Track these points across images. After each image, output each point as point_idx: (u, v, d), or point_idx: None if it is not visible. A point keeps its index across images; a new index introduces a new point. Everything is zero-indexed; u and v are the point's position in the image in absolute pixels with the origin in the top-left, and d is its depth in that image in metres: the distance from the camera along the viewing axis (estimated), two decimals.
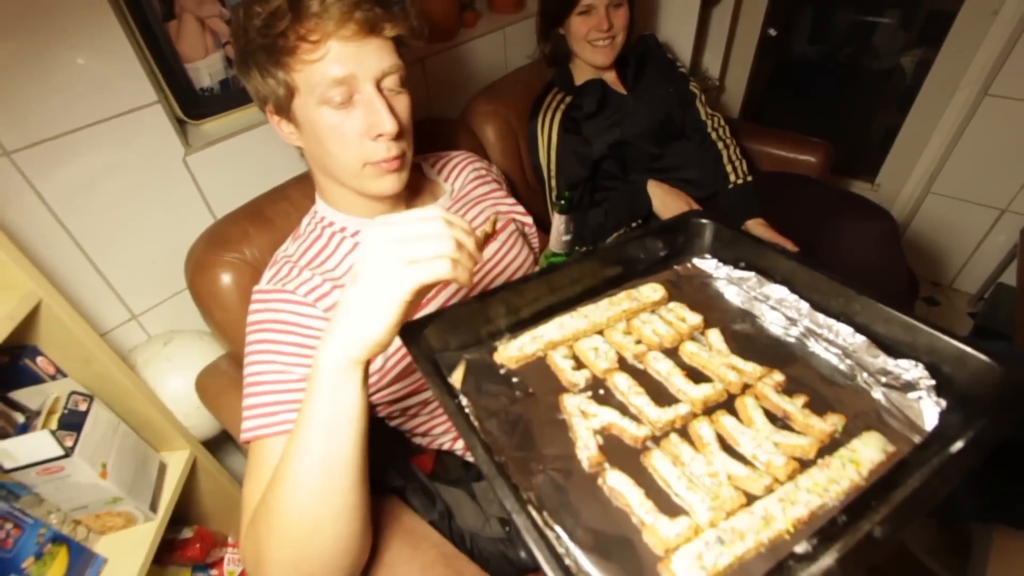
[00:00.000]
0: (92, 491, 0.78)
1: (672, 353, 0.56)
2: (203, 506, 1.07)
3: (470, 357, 0.56)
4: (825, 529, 0.40)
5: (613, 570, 0.39)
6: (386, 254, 0.43)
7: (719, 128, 1.32)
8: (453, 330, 0.57)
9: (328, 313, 0.65)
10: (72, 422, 0.76)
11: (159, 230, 0.92)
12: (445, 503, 0.72)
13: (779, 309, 0.59)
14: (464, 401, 0.50)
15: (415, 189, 0.80)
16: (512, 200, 0.91)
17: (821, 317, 0.56)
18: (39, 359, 0.79)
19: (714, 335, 0.58)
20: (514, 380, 0.54)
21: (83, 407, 0.78)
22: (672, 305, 0.61)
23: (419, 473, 0.73)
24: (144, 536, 0.85)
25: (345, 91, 0.60)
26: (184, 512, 1.04)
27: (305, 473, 0.48)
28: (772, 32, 1.95)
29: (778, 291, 0.60)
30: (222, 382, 0.87)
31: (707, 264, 0.67)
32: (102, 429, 0.80)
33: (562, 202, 0.64)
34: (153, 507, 0.87)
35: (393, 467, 0.63)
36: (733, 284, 0.64)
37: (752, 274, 0.62)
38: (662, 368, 0.54)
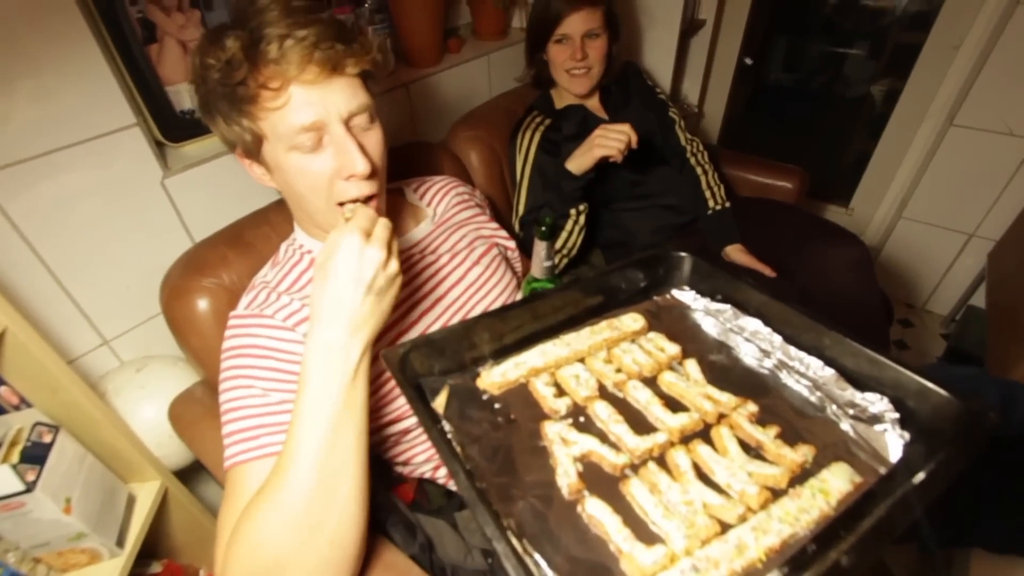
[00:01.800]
0: (55, 527, 0.74)
1: (651, 382, 0.58)
2: (174, 539, 1.02)
3: (453, 383, 0.57)
4: (796, 558, 0.41)
5: None
6: (395, 263, 0.54)
7: (698, 153, 1.36)
8: (437, 355, 0.58)
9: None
10: (35, 455, 0.72)
11: (134, 254, 0.91)
12: (426, 535, 0.70)
13: (753, 341, 0.62)
14: (447, 427, 0.51)
15: (396, 213, 0.80)
16: (495, 225, 0.92)
17: (793, 350, 0.58)
18: (2, 388, 0.75)
19: (691, 365, 0.59)
20: (496, 406, 0.55)
21: (48, 439, 0.75)
22: (652, 335, 0.63)
23: (400, 504, 0.72)
24: (109, 573, 0.80)
25: (314, 136, 0.58)
26: (153, 545, 0.99)
27: (330, 465, 0.51)
28: (748, 61, 2.03)
29: (752, 323, 0.62)
30: (196, 410, 0.84)
31: (685, 296, 0.69)
32: (68, 462, 0.76)
33: (543, 228, 0.65)
34: (120, 542, 0.84)
35: (373, 499, 0.62)
36: (710, 316, 0.66)
37: (728, 307, 0.65)
38: (641, 397, 0.55)
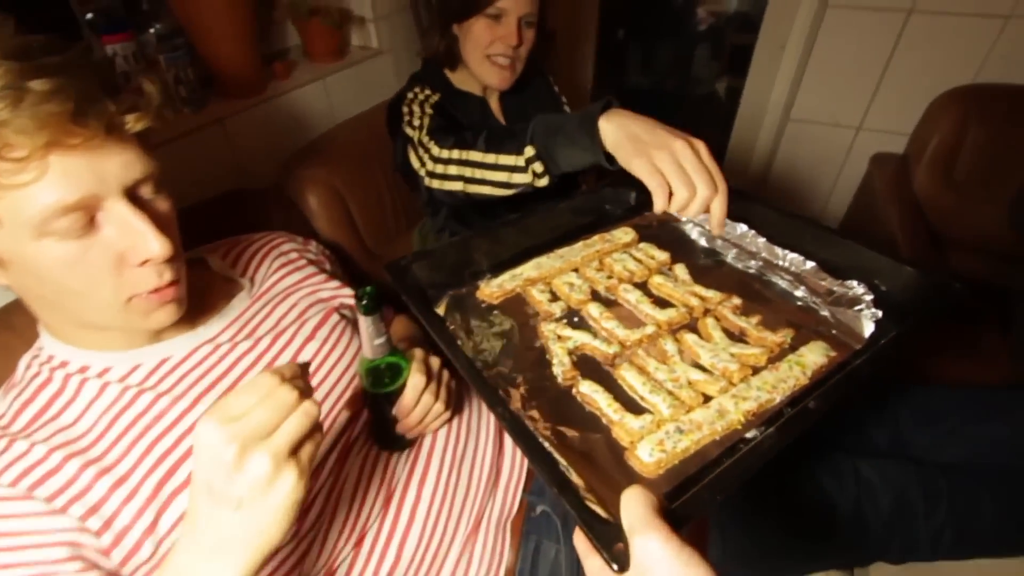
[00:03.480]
0: None
1: (642, 286, 0.61)
2: None
3: (454, 293, 0.60)
4: (772, 419, 0.45)
5: (583, 461, 0.43)
6: (263, 461, 0.36)
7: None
8: (437, 269, 0.61)
9: (55, 503, 0.46)
10: None
11: None
12: None
13: (740, 245, 0.64)
14: (449, 325, 0.55)
15: (201, 293, 0.60)
16: (336, 283, 0.72)
17: (777, 249, 0.61)
18: None
19: (680, 269, 0.62)
20: (495, 312, 0.58)
21: None
22: (642, 245, 0.66)
23: None
24: None
25: (81, 216, 0.43)
26: None
27: None
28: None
29: (739, 228, 0.65)
30: None
31: None
32: None
33: (364, 302, 0.48)
34: None
35: None
36: (698, 226, 0.69)
37: None
38: (631, 297, 0.59)
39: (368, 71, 1.28)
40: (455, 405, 0.66)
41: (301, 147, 1.07)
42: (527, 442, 0.39)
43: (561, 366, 0.51)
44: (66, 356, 0.53)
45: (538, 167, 0.65)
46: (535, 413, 0.47)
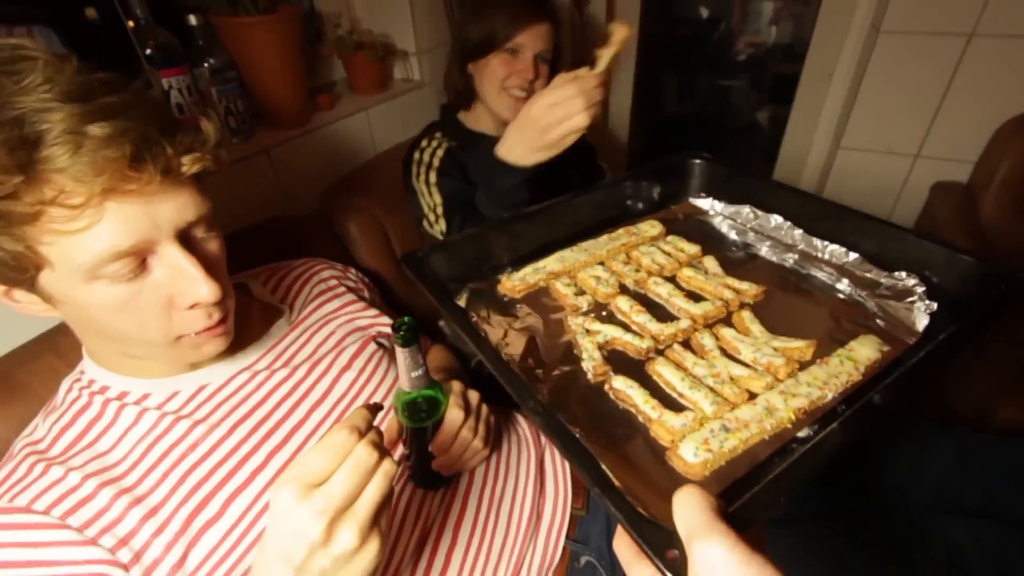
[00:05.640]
0: None
1: (672, 280, 0.58)
2: None
3: (474, 286, 0.57)
4: (826, 417, 0.41)
5: (620, 463, 0.39)
6: (349, 536, 0.35)
7: None
8: (455, 261, 0.58)
9: (86, 532, 0.45)
10: None
11: None
12: None
13: (775, 237, 0.61)
14: (471, 318, 0.51)
15: (241, 319, 0.60)
16: (374, 311, 0.72)
17: (816, 241, 0.58)
18: None
19: (710, 261, 0.59)
20: (518, 306, 0.55)
21: None
22: (670, 238, 0.63)
23: None
24: None
25: (133, 260, 0.43)
26: None
27: None
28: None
29: (774, 220, 0.61)
30: None
31: (703, 203, 0.68)
32: None
33: (401, 332, 0.46)
34: None
35: None
36: (729, 219, 0.65)
37: (747, 207, 0.64)
38: (662, 291, 0.55)
39: (409, 102, 1.32)
40: (494, 442, 0.64)
41: (343, 176, 1.10)
42: (563, 438, 0.36)
43: (591, 361, 0.48)
44: (107, 381, 0.53)
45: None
46: (565, 411, 0.43)
